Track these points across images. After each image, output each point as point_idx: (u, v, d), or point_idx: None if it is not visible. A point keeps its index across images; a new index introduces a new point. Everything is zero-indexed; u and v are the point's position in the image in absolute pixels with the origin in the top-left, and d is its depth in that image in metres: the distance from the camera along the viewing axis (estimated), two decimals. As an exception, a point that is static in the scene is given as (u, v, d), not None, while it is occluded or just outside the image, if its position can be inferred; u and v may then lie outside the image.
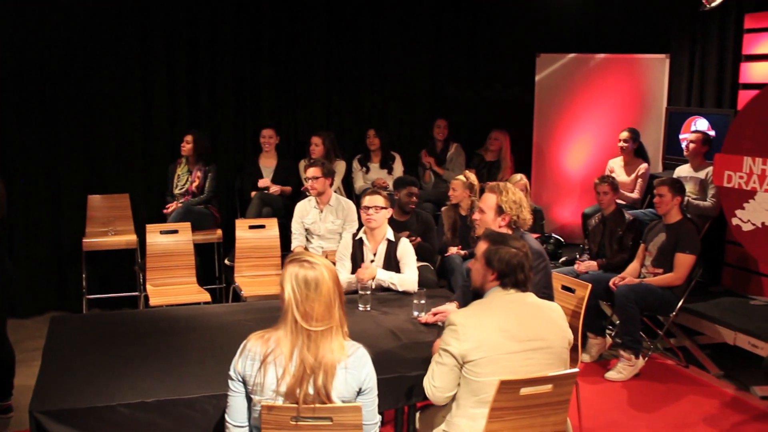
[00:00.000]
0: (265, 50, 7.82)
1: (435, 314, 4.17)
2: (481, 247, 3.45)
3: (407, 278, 4.93)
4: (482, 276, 3.42)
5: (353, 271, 4.99)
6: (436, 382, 3.25)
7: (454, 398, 3.29)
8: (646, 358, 5.95)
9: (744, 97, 6.65)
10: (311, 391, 2.77)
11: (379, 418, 3.00)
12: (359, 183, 7.87)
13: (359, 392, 2.89)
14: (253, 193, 7.22)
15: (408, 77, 8.50)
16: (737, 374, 5.83)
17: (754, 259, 6.36)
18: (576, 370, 3.25)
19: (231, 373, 2.89)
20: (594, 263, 6.32)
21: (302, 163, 7.54)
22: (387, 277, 4.89)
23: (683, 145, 7.07)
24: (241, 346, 2.87)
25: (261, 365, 2.79)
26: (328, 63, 8.14)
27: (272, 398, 2.80)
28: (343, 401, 2.83)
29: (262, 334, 2.86)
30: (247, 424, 2.92)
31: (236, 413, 2.91)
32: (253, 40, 7.76)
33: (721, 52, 7.50)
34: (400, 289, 4.87)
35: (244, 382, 2.85)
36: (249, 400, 2.88)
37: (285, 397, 2.78)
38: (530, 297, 3.41)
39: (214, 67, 7.63)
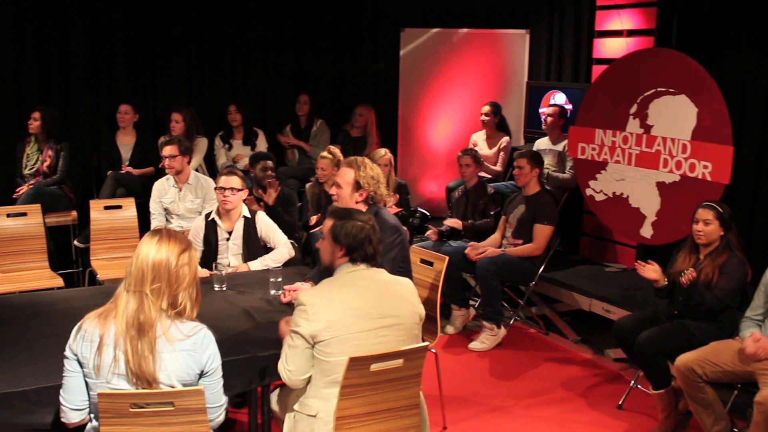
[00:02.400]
0: (120, 21, 7.49)
1: (287, 292, 4.11)
2: (327, 224, 3.42)
3: (278, 254, 4.91)
4: (331, 253, 3.38)
5: (205, 255, 4.87)
6: (290, 366, 3.19)
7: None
8: (508, 328, 6.10)
9: (598, 71, 6.86)
10: (146, 371, 2.67)
11: (225, 399, 2.94)
12: (222, 160, 7.69)
13: (201, 374, 2.81)
14: (109, 172, 6.94)
15: (271, 51, 8.37)
16: (593, 339, 6.06)
17: (609, 228, 6.61)
18: (426, 344, 3.27)
19: (67, 352, 2.76)
20: (459, 222, 6.42)
21: (162, 141, 7.31)
22: (261, 265, 4.81)
23: (542, 118, 7.25)
24: (77, 326, 2.75)
25: (98, 347, 2.68)
26: (187, 36, 7.89)
27: (108, 380, 2.69)
28: (184, 384, 2.75)
29: (99, 313, 2.75)
30: (85, 406, 2.78)
31: (73, 395, 2.77)
32: (107, 9, 7.42)
33: (577, 28, 7.70)
34: (281, 265, 4.79)
35: (81, 364, 2.73)
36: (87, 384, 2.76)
37: (124, 380, 2.68)
38: (381, 273, 3.39)
39: (66, 39, 7.26)
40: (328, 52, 8.67)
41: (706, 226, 4.49)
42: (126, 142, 7.22)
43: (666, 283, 4.63)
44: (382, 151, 6.80)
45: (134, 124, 7.28)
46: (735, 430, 4.23)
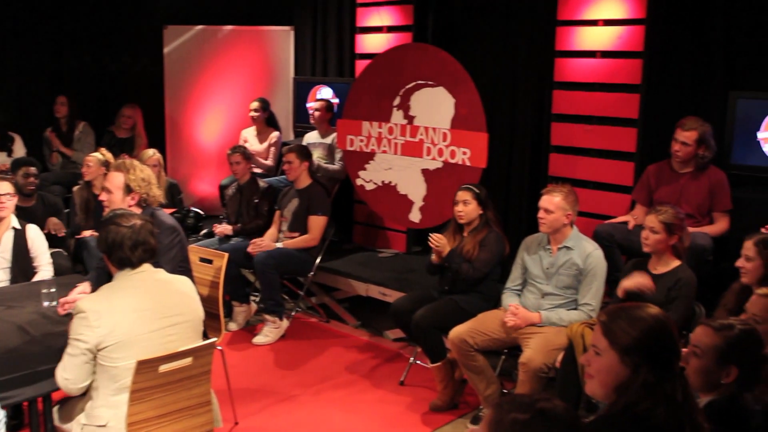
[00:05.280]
0: None
1: (65, 304, 3.95)
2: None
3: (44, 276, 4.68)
4: (108, 264, 3.36)
5: None
6: (67, 374, 3.11)
7: (91, 388, 3.17)
8: (290, 319, 6.20)
9: (361, 66, 7.12)
10: None
11: (2, 413, 2.80)
12: (-25, 169, 7.17)
13: None
14: None
15: (26, 51, 7.89)
16: (372, 322, 6.32)
17: (380, 216, 6.91)
18: (213, 340, 3.30)
19: None
20: (229, 227, 6.42)
21: None
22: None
23: (310, 113, 7.41)
24: None
25: None
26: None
27: None
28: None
29: None
30: None
31: None
32: None
33: (339, 25, 7.93)
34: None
35: None
36: None
37: None
38: (160, 273, 3.37)
39: None
40: (88, 51, 8.32)
41: (465, 206, 4.87)
42: None
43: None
44: (150, 151, 6.67)
45: None
46: (504, 391, 4.62)
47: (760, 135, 5.04)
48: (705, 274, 4.47)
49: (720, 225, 4.93)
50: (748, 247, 3.81)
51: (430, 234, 4.91)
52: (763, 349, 2.68)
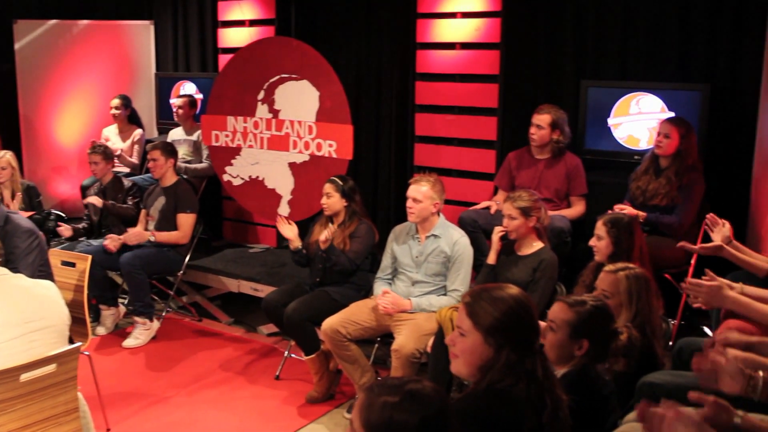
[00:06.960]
0: None
1: None
2: None
3: None
4: None
5: None
6: None
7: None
8: (161, 320, 6.06)
9: (223, 61, 7.05)
10: None
11: None
12: None
13: None
14: None
15: None
16: (245, 318, 6.27)
17: (249, 211, 6.86)
18: (78, 344, 3.20)
19: None
20: (69, 227, 6.24)
21: None
22: None
23: (174, 109, 7.27)
24: None
25: None
26: None
27: None
28: None
29: None
30: None
31: None
32: None
33: (201, 19, 7.81)
34: None
35: None
36: None
37: None
38: (20, 279, 3.25)
39: None
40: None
41: (329, 198, 4.94)
42: None
43: (300, 245, 5.00)
44: (1, 152, 6.37)
45: None
46: (379, 378, 4.69)
47: (610, 121, 5.33)
48: (564, 254, 4.71)
49: (577, 208, 5.19)
50: (599, 226, 4.04)
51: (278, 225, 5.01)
52: (612, 323, 2.86)
